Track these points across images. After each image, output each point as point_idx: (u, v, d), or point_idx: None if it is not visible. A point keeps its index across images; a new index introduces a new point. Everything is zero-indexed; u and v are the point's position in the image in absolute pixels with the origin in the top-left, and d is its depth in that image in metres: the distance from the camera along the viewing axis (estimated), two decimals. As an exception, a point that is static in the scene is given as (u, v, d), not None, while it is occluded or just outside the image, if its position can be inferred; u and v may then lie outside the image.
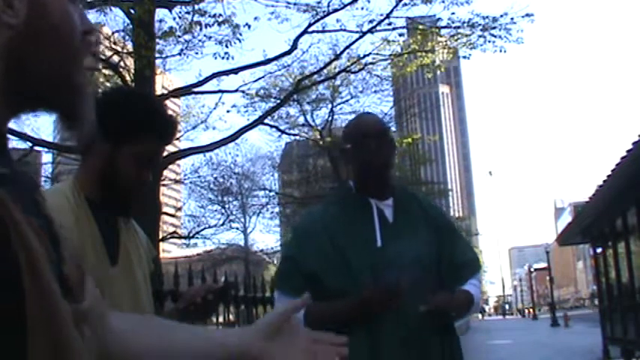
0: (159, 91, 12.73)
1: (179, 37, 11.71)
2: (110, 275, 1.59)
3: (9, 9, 0.68)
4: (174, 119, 1.77)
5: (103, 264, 1.59)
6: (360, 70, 16.38)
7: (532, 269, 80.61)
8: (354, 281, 1.96)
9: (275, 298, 2.14)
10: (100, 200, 1.64)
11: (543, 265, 60.63)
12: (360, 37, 14.10)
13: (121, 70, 12.15)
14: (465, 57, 14.76)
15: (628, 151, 8.43)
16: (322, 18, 13.46)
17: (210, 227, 26.55)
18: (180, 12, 11.53)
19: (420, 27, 14.81)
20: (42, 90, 0.71)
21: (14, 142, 10.55)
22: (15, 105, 0.70)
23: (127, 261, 1.67)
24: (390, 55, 15.72)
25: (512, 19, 13.52)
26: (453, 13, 13.94)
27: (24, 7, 0.68)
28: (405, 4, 13.52)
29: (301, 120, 21.71)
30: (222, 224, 27.02)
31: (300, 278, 2.02)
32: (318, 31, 14.21)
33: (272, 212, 29.25)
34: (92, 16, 12.40)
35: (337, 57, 15.43)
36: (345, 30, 14.05)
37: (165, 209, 19.01)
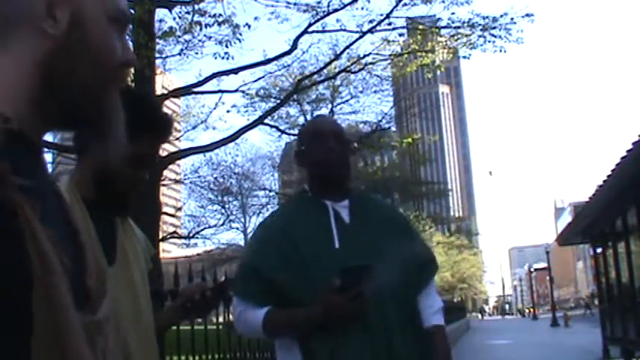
0: (159, 91, 12.73)
1: (179, 37, 11.72)
2: (107, 275, 1.58)
3: (51, 19, 0.67)
4: (170, 117, 1.77)
5: None
6: (360, 70, 16.38)
7: (532, 269, 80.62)
8: (312, 285, 1.92)
9: (234, 304, 2.09)
10: (97, 200, 1.64)
11: (543, 265, 60.63)
12: (360, 37, 14.11)
13: (121, 70, 12.14)
14: (465, 57, 14.78)
15: (628, 151, 8.43)
16: (322, 18, 13.47)
17: (210, 227, 26.59)
18: (180, 12, 11.55)
19: (420, 27, 14.81)
20: (72, 108, 0.71)
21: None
22: (49, 119, 0.70)
23: (125, 260, 1.66)
24: (390, 55, 15.72)
25: (512, 19, 13.54)
26: (453, 13, 13.96)
27: (66, 19, 0.68)
28: (405, 4, 13.54)
29: (301, 120, 21.71)
30: (222, 224, 27.06)
31: (259, 285, 1.99)
32: (318, 31, 14.24)
33: (272, 212, 29.26)
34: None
35: (337, 57, 15.43)
36: (345, 30, 14.07)
37: (165, 209, 19.01)
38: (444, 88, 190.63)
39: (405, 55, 15.82)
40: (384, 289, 1.90)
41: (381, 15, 13.63)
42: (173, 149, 17.09)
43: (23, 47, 0.67)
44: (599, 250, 13.49)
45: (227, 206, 27.65)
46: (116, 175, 1.63)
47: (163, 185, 18.12)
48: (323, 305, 1.87)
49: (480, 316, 68.43)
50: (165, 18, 12.01)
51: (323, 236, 2.01)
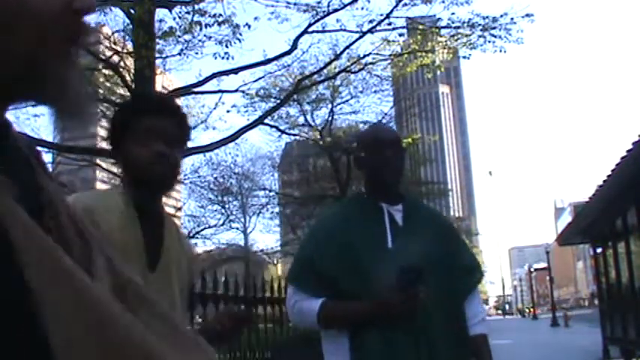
0: (159, 91, 12.72)
1: (179, 37, 11.71)
2: (146, 282, 1.59)
3: None
4: (153, 93, 1.80)
5: (141, 269, 1.59)
6: (360, 70, 16.37)
7: (532, 269, 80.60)
8: (365, 281, 2.02)
9: (289, 294, 2.17)
10: (141, 199, 1.67)
11: (543, 265, 60.65)
12: (360, 37, 14.10)
13: (121, 70, 12.15)
14: (465, 57, 14.77)
15: (628, 151, 8.43)
16: (322, 18, 13.47)
17: (210, 227, 26.61)
18: (180, 12, 11.53)
19: (420, 27, 14.81)
20: (12, 78, 0.56)
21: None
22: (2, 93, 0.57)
23: (166, 270, 1.67)
24: (390, 55, 15.72)
25: (512, 19, 13.53)
26: (453, 13, 13.95)
27: None
28: (405, 4, 13.53)
29: (301, 120, 21.72)
30: (222, 224, 27.08)
31: (315, 277, 2.09)
32: (318, 31, 14.22)
33: (272, 212, 29.27)
34: (92, 16, 12.39)
35: (337, 57, 15.42)
36: (345, 30, 14.06)
37: (165, 209, 18.98)
38: (444, 88, 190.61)
39: (405, 55, 15.81)
40: (430, 291, 1.99)
41: (381, 15, 13.63)
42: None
43: None
44: (599, 250, 13.49)
45: (227, 206, 27.66)
46: (135, 163, 1.66)
47: (163, 185, 18.10)
48: (382, 302, 1.96)
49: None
50: (165, 18, 12.00)
51: (377, 236, 2.13)
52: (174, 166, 1.71)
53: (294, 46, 13.59)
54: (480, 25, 13.66)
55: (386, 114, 22.91)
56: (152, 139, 1.66)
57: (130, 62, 12.23)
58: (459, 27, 13.95)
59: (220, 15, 11.47)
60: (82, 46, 0.61)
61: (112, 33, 12.74)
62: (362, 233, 2.13)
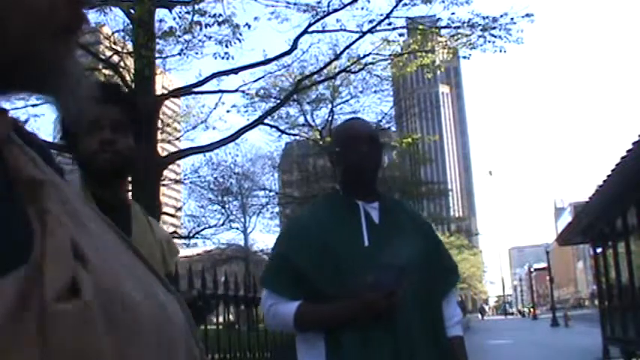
0: (159, 91, 12.73)
1: (179, 37, 11.71)
2: None
3: None
4: (97, 82, 1.81)
5: None
6: (360, 70, 16.39)
7: (532, 269, 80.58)
8: (342, 281, 1.97)
9: (263, 297, 2.11)
10: (95, 189, 1.67)
11: (543, 265, 60.59)
12: (360, 37, 14.11)
13: (121, 70, 12.15)
14: (464, 57, 14.78)
15: (628, 151, 8.44)
16: (322, 18, 13.48)
17: (210, 227, 26.58)
18: (180, 12, 11.55)
19: (420, 27, 14.81)
20: (8, 66, 0.54)
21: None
22: None
23: None
24: (390, 55, 15.73)
25: (512, 19, 13.54)
26: (453, 13, 13.96)
27: None
28: (405, 4, 13.54)
29: (301, 120, 21.74)
30: (222, 224, 27.06)
31: (290, 277, 2.03)
32: (318, 31, 14.24)
33: (272, 212, 29.28)
34: (92, 16, 12.40)
35: (337, 57, 15.43)
36: (345, 30, 14.07)
37: (165, 209, 19.01)
38: (444, 88, 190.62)
39: (405, 55, 15.83)
40: (408, 290, 1.95)
41: (381, 15, 13.65)
42: (173, 149, 17.10)
43: None
44: (599, 250, 13.49)
45: (227, 206, 27.65)
46: (85, 154, 1.67)
47: (163, 185, 18.12)
48: (359, 302, 1.92)
49: (479, 316, 68.36)
50: (165, 18, 12.01)
51: (354, 234, 2.08)
52: (122, 152, 1.69)
53: (294, 46, 13.60)
54: (479, 25, 13.67)
55: (386, 114, 22.95)
56: (98, 129, 1.65)
57: (130, 62, 12.24)
58: (459, 27, 13.96)
59: (220, 15, 11.49)
60: (81, 35, 0.60)
61: (112, 33, 12.74)
62: (338, 232, 2.07)
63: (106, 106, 1.67)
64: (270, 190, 28.64)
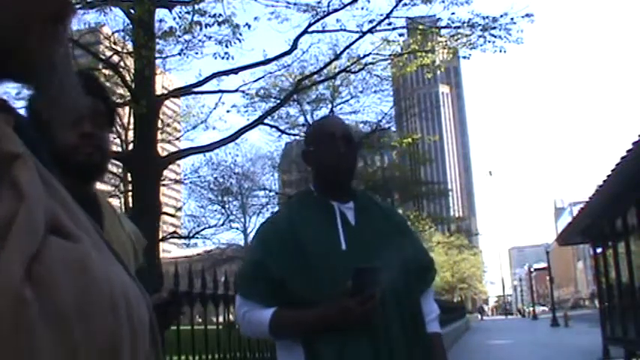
0: (159, 91, 12.73)
1: (179, 37, 11.72)
2: None
3: None
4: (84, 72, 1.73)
5: None
6: (360, 70, 16.39)
7: (532, 269, 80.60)
8: (318, 286, 1.92)
9: (238, 304, 2.05)
10: (67, 184, 1.63)
11: (543, 265, 60.61)
12: (360, 37, 14.12)
13: (121, 70, 12.16)
14: (464, 57, 14.79)
15: (628, 151, 8.43)
16: (322, 18, 13.49)
17: (210, 227, 26.61)
18: (180, 12, 11.55)
19: (420, 27, 14.82)
20: None
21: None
22: None
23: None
24: (390, 55, 15.74)
25: (512, 19, 13.55)
26: (453, 13, 13.97)
27: None
28: (405, 4, 13.55)
29: (301, 120, 21.72)
30: (222, 224, 27.09)
31: (265, 284, 1.97)
32: (318, 31, 14.25)
33: (272, 212, 29.28)
34: (92, 16, 12.41)
35: (337, 57, 15.45)
36: (345, 30, 14.08)
37: (165, 209, 19.02)
38: (444, 88, 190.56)
39: (405, 55, 15.83)
40: (387, 290, 1.91)
41: (381, 15, 13.66)
42: (173, 149, 17.10)
43: None
44: (599, 250, 13.49)
45: (227, 206, 27.68)
46: (60, 148, 1.56)
47: (163, 185, 18.12)
48: (338, 308, 1.86)
49: (479, 316, 68.34)
50: (165, 18, 12.04)
51: (330, 237, 2.01)
52: (102, 147, 1.64)
53: (294, 46, 13.61)
54: (479, 25, 13.68)
55: (386, 114, 22.96)
56: (78, 121, 1.59)
57: (130, 62, 12.25)
58: (459, 27, 13.97)
59: (220, 15, 11.50)
60: (68, 25, 0.60)
61: (112, 33, 12.75)
62: (313, 235, 2.00)
63: (86, 97, 1.63)
64: (270, 190, 28.67)
